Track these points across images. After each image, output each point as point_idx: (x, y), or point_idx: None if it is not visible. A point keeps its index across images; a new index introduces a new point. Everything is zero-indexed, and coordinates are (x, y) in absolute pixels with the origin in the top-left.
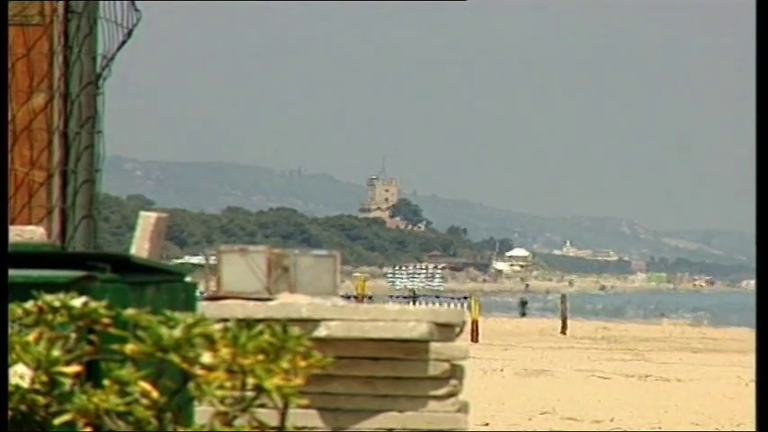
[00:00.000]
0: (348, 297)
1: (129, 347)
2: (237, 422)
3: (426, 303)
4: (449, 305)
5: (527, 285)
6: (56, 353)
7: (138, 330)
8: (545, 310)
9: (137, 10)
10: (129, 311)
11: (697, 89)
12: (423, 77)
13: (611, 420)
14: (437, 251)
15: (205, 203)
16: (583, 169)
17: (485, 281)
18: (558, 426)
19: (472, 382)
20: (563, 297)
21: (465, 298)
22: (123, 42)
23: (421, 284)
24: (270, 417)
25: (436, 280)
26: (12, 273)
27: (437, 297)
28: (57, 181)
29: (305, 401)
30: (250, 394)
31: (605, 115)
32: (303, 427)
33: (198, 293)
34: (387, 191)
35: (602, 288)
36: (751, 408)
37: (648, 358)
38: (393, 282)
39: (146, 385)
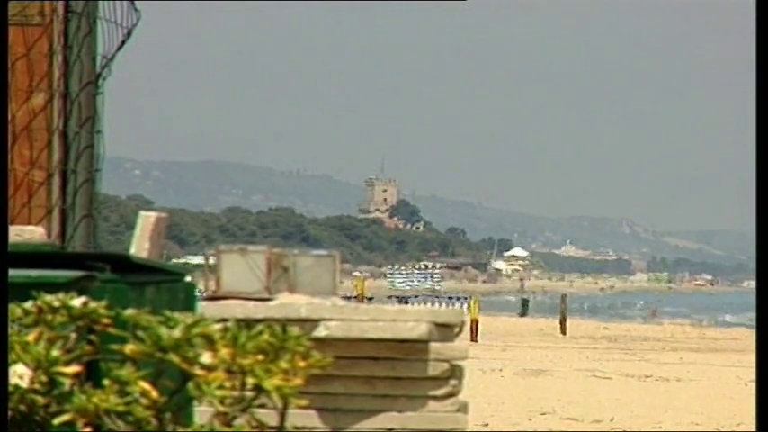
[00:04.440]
0: (348, 297)
1: (129, 347)
2: (237, 422)
3: (425, 303)
4: (447, 305)
5: (522, 284)
6: (55, 353)
7: (137, 330)
8: (544, 310)
9: (136, 10)
10: (129, 311)
11: (697, 89)
12: (422, 77)
13: (611, 420)
14: (436, 251)
15: (205, 203)
16: (583, 169)
17: (484, 281)
18: (557, 426)
19: (472, 382)
20: (563, 297)
21: (465, 298)
22: (123, 42)
23: (420, 284)
24: (269, 417)
25: (435, 280)
26: (12, 273)
27: (436, 297)
28: (56, 181)
29: (304, 402)
30: (250, 394)
31: (605, 115)
32: (303, 427)
33: (197, 293)
34: (385, 191)
35: (602, 288)
36: (751, 408)
37: (648, 358)
38: (393, 282)
39: (145, 385)
